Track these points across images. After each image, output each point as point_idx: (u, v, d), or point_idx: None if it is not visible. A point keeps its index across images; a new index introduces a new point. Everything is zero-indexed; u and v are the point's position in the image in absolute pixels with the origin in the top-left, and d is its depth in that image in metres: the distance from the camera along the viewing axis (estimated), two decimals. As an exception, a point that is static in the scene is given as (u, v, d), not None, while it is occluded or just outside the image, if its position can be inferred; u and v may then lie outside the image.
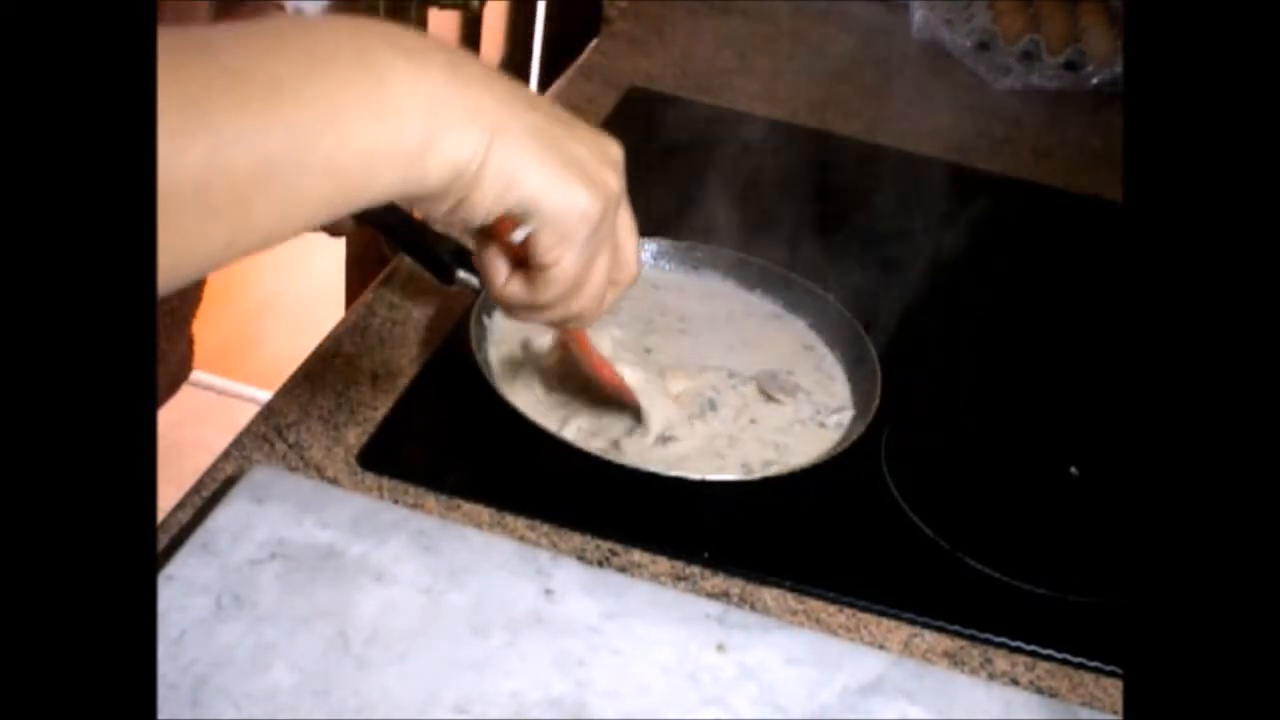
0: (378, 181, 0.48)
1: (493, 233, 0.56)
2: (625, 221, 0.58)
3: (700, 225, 0.93)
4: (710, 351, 0.82)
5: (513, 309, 0.59)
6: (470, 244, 0.58)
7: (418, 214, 0.55)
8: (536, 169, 0.51)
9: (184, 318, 0.85)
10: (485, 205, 0.51)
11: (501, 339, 0.79)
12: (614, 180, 0.55)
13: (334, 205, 0.48)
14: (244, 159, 0.43)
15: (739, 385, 0.79)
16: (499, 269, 0.57)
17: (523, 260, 0.56)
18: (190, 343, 0.90)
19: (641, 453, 0.72)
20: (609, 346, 0.76)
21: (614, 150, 0.56)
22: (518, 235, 0.54)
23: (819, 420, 0.77)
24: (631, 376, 0.74)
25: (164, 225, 0.42)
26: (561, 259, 0.54)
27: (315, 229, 0.50)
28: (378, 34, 0.48)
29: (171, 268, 0.44)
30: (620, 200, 0.56)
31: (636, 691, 0.59)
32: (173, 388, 0.92)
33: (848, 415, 0.78)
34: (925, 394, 0.83)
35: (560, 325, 0.62)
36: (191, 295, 0.82)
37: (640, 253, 0.60)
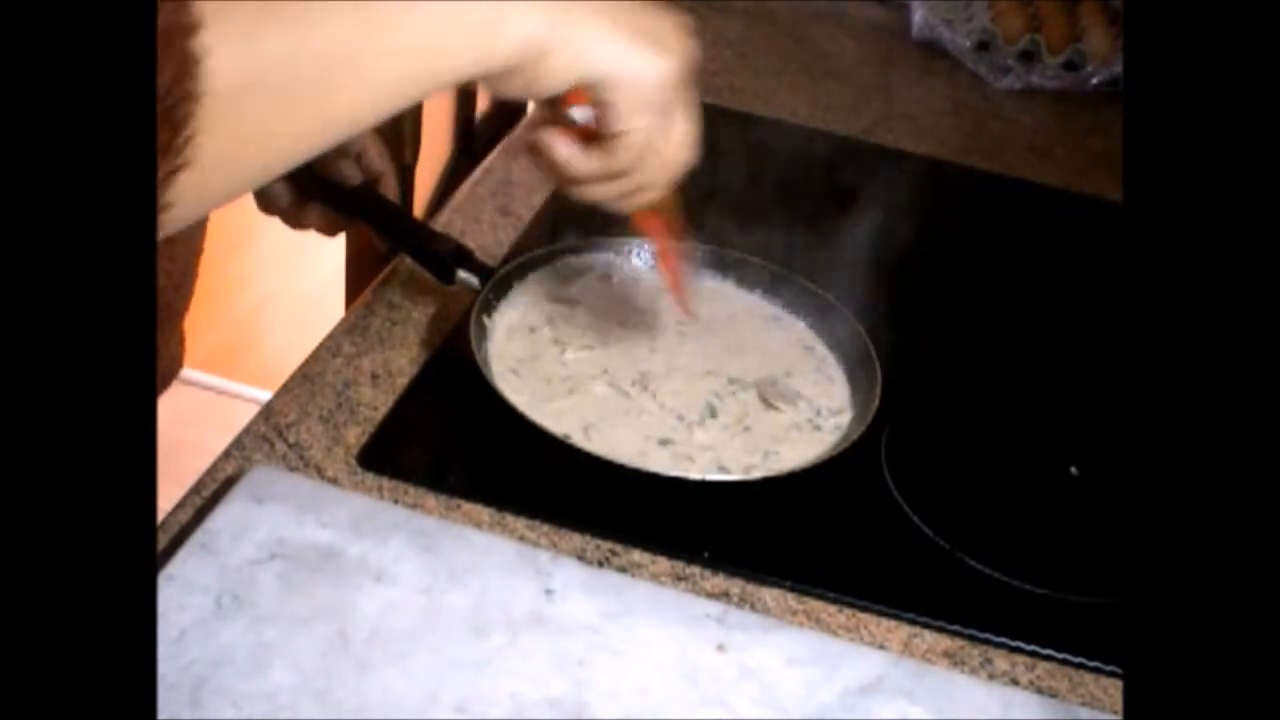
0: (453, 62, 0.51)
1: (560, 103, 0.59)
2: (691, 98, 0.60)
3: (700, 226, 0.93)
4: (711, 353, 0.82)
5: (578, 182, 0.61)
6: (541, 113, 0.62)
7: (490, 91, 0.59)
8: (606, 40, 0.54)
9: (177, 313, 0.85)
10: (555, 78, 0.54)
11: (502, 337, 0.79)
12: (685, 47, 0.58)
13: (414, 88, 0.51)
14: (328, 44, 0.46)
15: (739, 392, 0.79)
16: (563, 143, 0.60)
17: (588, 135, 0.59)
18: (181, 340, 0.90)
19: (643, 455, 0.72)
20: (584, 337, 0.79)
21: (683, 23, 0.59)
22: (580, 113, 0.59)
23: (815, 424, 0.77)
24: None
25: (248, 113, 0.44)
26: (634, 125, 0.57)
27: (392, 113, 0.53)
28: None
29: (257, 157, 0.47)
30: (692, 68, 0.59)
31: (636, 691, 0.59)
32: (162, 385, 0.92)
33: (846, 418, 0.78)
34: (925, 394, 0.83)
35: (623, 200, 0.64)
36: (185, 290, 0.81)
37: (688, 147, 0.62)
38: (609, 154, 0.59)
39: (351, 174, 0.77)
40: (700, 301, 0.87)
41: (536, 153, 0.61)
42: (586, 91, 0.56)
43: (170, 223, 0.45)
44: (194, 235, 0.79)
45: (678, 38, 0.58)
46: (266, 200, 0.80)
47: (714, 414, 0.76)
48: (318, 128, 0.48)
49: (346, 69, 0.47)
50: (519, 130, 0.62)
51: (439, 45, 0.50)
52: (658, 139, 0.58)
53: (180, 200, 0.44)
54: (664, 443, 0.74)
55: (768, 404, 0.78)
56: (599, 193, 0.62)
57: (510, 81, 0.53)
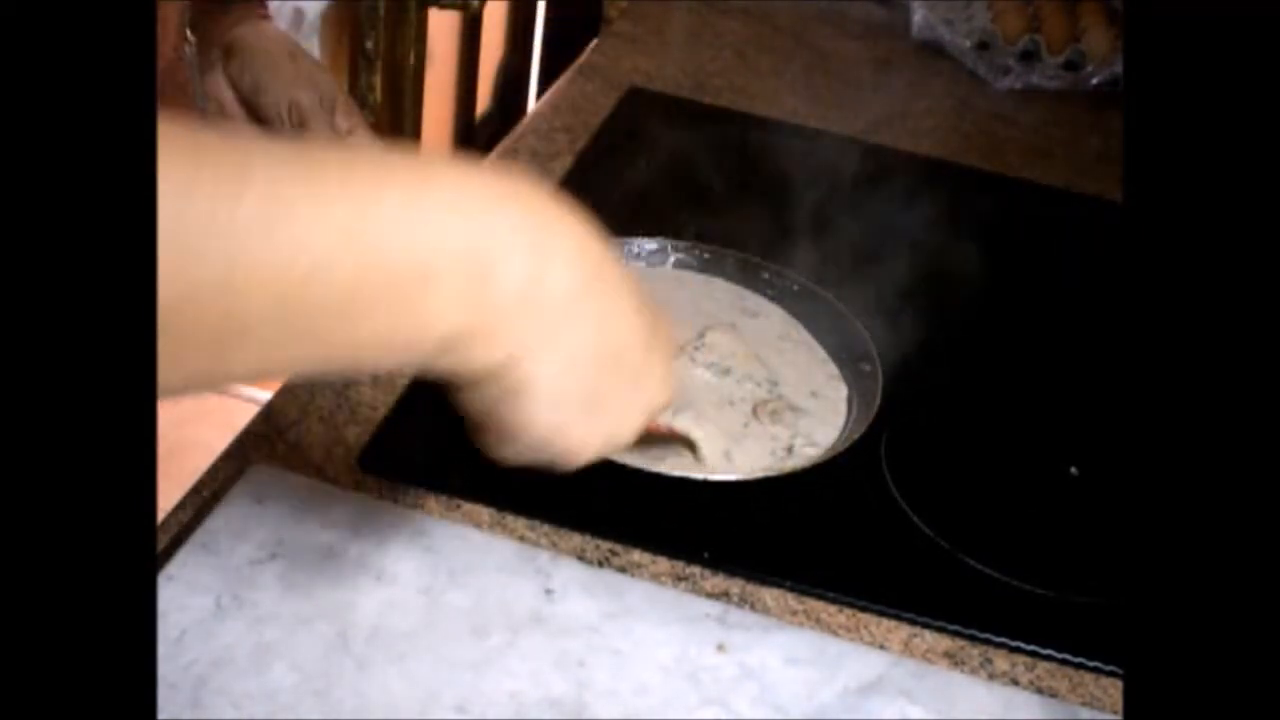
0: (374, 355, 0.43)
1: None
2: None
3: (700, 225, 0.93)
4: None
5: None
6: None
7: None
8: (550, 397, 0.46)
9: None
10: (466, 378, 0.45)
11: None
12: (658, 395, 0.49)
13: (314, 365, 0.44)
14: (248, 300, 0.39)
15: (765, 395, 0.78)
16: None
17: None
18: None
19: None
20: None
21: (657, 391, 0.49)
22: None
23: (789, 447, 0.75)
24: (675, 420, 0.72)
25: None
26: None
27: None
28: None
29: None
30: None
31: (636, 691, 0.59)
32: None
33: (816, 455, 0.75)
34: (925, 394, 0.83)
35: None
36: None
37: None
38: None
39: None
40: (699, 299, 0.87)
41: None
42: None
43: None
44: None
45: (644, 410, 0.48)
46: None
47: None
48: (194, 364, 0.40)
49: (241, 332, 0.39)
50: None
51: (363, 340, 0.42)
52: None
53: None
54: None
55: (774, 416, 0.77)
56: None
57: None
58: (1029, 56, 1.38)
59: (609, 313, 0.46)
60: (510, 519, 0.69)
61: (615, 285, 0.46)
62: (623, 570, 0.67)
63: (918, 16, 1.41)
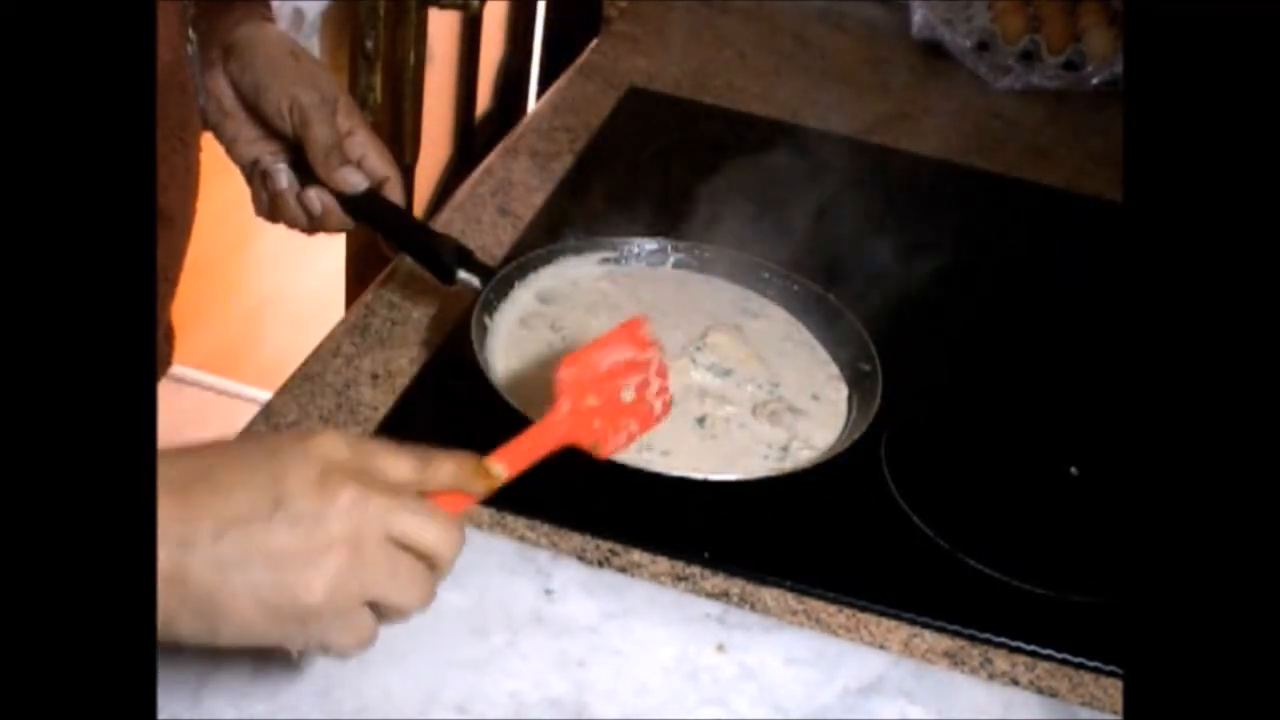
0: None
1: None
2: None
3: (699, 225, 0.93)
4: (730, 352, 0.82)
5: None
6: None
7: None
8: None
9: (162, 300, 0.83)
10: None
11: (503, 336, 0.79)
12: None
13: None
14: None
15: (766, 397, 0.78)
16: None
17: None
18: (169, 334, 0.88)
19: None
20: None
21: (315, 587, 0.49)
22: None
23: (784, 447, 0.75)
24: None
25: None
26: None
27: None
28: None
29: None
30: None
31: (636, 691, 0.59)
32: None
33: (813, 455, 0.75)
34: (925, 394, 0.83)
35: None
36: (172, 276, 0.80)
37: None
38: None
39: (355, 180, 0.77)
40: (697, 299, 0.87)
41: None
42: None
43: None
44: (185, 220, 0.79)
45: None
46: (270, 200, 0.80)
47: (701, 423, 0.76)
48: None
49: None
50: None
51: None
52: None
53: None
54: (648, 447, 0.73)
55: (773, 418, 0.77)
56: None
57: None
58: (1029, 56, 1.38)
59: (259, 571, 0.48)
60: (510, 519, 0.69)
61: (277, 529, 0.49)
62: (623, 570, 0.67)
63: (918, 16, 1.41)
